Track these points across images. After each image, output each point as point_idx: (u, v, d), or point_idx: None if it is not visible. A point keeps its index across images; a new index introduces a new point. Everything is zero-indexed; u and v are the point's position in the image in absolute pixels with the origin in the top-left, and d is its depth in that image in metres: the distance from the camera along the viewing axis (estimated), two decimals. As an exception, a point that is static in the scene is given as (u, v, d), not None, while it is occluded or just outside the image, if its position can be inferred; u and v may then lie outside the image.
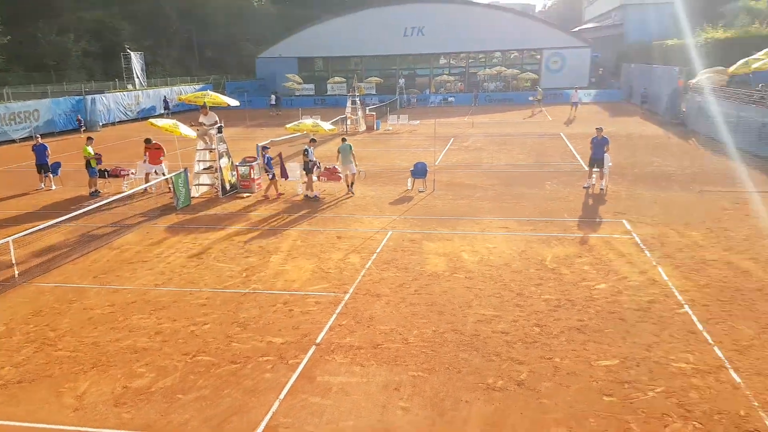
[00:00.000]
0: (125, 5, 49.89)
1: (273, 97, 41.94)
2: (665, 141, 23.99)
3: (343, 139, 16.10)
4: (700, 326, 7.74)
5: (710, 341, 7.34)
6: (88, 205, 13.53)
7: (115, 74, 44.54)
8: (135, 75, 44.71)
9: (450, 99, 45.35)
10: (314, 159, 15.66)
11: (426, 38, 48.53)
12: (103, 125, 35.63)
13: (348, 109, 30.62)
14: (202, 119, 16.35)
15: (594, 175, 15.57)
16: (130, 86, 43.36)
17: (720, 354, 7.02)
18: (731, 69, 24.51)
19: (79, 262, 11.17)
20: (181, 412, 6.23)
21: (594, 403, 6.14)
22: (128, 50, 44.56)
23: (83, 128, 32.64)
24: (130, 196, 15.94)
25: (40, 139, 18.26)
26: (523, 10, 58.03)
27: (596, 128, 15.55)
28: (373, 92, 46.05)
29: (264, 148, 16.36)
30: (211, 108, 16.88)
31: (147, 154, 16.91)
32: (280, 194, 16.01)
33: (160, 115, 38.09)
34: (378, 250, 11.18)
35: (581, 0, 72.97)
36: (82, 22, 47.35)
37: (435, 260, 10.57)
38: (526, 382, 6.58)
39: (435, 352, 7.28)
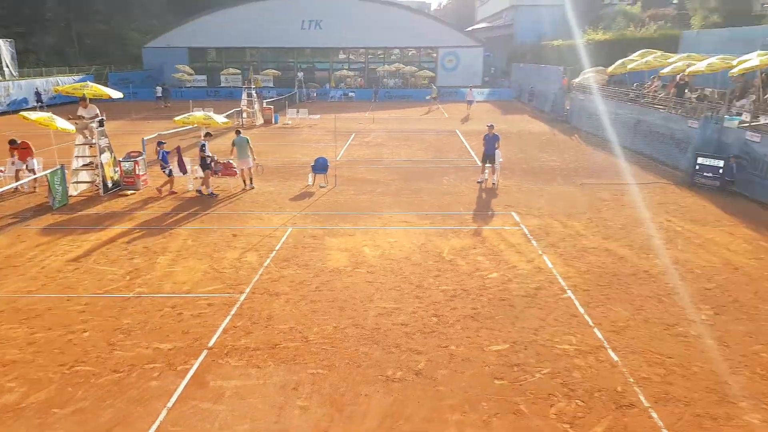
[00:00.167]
0: (-9, -13, 44.93)
1: (159, 89, 39.74)
2: (551, 137, 25.63)
3: (237, 132, 15.53)
4: (581, 310, 8.31)
5: (590, 323, 7.90)
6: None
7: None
8: (4, 64, 40.31)
9: (350, 94, 45.43)
10: (211, 154, 14.97)
11: (324, 32, 48.21)
12: (-35, 117, 31.78)
13: (243, 102, 29.77)
14: (81, 112, 15.06)
15: (487, 171, 16.26)
16: (-1, 76, 39.13)
17: (599, 335, 7.57)
18: (610, 69, 26.50)
19: (-69, 270, 9.83)
20: (56, 427, 5.68)
21: (486, 387, 6.38)
22: (-5, 37, 40.18)
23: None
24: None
25: None
26: (418, 8, 59.28)
27: (488, 125, 16.22)
28: (271, 85, 45.13)
29: (159, 143, 15.40)
30: (92, 100, 15.58)
31: (15, 154, 15.39)
32: (173, 192, 15.13)
33: (33, 108, 34.62)
34: (277, 248, 10.88)
35: (474, 0, 76.08)
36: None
37: (337, 256, 10.48)
38: (423, 371, 6.70)
39: (335, 348, 7.20)
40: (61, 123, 14.81)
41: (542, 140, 24.69)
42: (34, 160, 15.73)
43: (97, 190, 15.08)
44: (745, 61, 17.16)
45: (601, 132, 24.55)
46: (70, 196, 14.50)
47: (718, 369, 6.75)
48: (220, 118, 17.42)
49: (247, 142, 15.22)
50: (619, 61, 25.65)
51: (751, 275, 9.57)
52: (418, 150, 22.31)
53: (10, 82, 37.18)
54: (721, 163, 15.30)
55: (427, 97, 40.15)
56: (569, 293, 8.87)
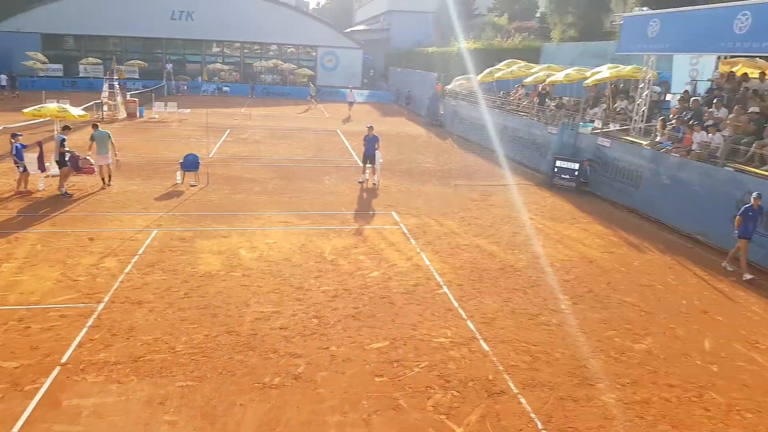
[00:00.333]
0: None
1: (4, 77, 35.36)
2: (427, 140, 26.58)
3: (95, 126, 14.17)
4: (455, 303, 8.64)
5: (464, 316, 8.23)
6: None
7: None
8: None
9: (225, 89, 43.61)
10: (70, 149, 13.51)
11: (196, 23, 45.82)
12: None
13: (105, 94, 27.49)
14: None
15: (367, 171, 16.41)
16: None
17: (472, 327, 7.91)
18: (479, 77, 28.07)
19: None
20: None
21: (367, 385, 6.36)
22: None
23: None
24: None
25: None
26: (297, 5, 58.58)
27: (368, 126, 16.39)
28: (136, 76, 42.17)
29: (14, 135, 13.52)
30: None
31: None
32: (28, 191, 13.41)
33: None
34: (140, 252, 10.03)
35: (352, 1, 76.85)
36: None
37: (209, 259, 9.90)
38: (303, 374, 6.51)
39: (207, 358, 6.75)
40: None
41: (419, 143, 25.51)
42: None
43: None
44: (597, 72, 19.09)
45: (472, 136, 25.97)
46: None
47: (578, 354, 7.34)
48: (76, 111, 15.76)
49: (109, 136, 14.03)
50: (487, 70, 27.20)
51: (603, 267, 10.60)
52: (297, 148, 21.94)
53: None
54: (576, 166, 16.84)
55: (309, 97, 39.79)
56: (445, 288, 9.17)
